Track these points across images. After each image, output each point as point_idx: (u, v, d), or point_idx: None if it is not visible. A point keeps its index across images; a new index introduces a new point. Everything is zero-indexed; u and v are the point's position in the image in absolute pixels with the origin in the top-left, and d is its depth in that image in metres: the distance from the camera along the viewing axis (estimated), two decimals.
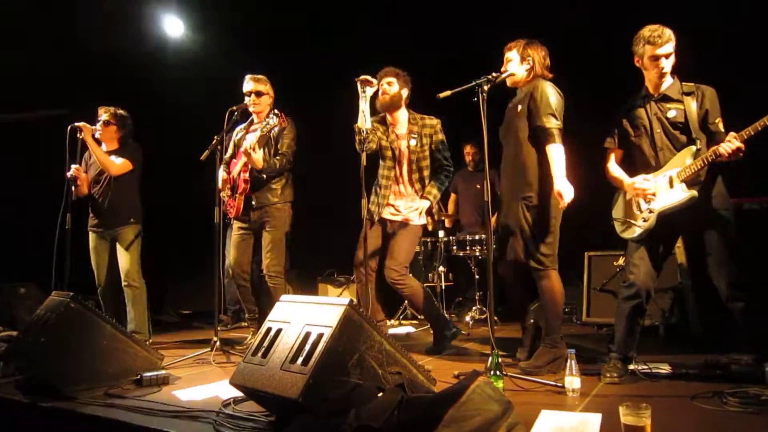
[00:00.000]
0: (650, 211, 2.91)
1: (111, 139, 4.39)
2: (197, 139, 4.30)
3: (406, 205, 3.91)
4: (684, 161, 2.85)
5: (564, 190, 3.02)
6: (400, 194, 3.94)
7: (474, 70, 3.13)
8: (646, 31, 2.87)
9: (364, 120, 3.65)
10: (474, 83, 3.06)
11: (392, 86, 3.85)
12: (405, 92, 3.91)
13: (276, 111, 3.78)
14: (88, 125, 4.19)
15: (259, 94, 4.13)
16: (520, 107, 3.25)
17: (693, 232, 2.88)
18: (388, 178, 3.93)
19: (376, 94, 3.82)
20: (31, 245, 5.11)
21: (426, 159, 3.93)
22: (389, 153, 3.91)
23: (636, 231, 2.97)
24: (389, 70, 3.89)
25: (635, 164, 3.08)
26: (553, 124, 3.10)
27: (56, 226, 4.07)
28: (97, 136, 4.29)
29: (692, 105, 2.88)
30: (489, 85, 3.06)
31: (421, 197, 3.89)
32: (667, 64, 2.88)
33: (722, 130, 2.86)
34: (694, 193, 2.79)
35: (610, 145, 3.18)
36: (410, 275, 3.86)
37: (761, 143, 2.67)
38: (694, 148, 2.84)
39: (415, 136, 3.90)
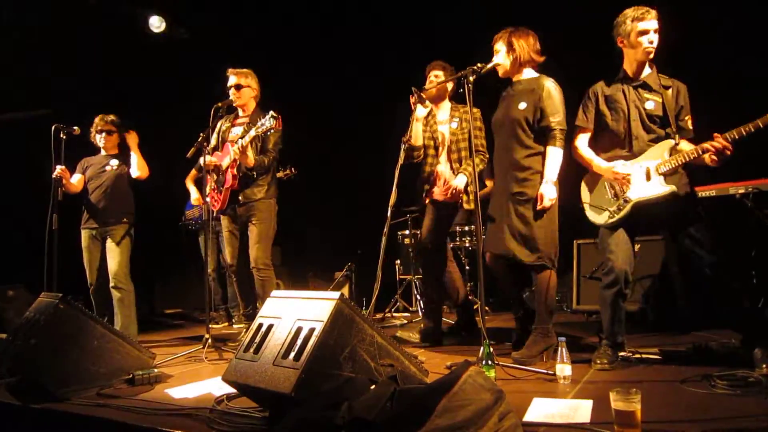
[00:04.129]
0: (626, 201, 2.91)
1: (113, 145, 4.56)
2: (182, 136, 4.28)
3: (448, 181, 3.96)
4: (662, 154, 2.86)
5: (546, 194, 3.09)
6: (442, 174, 3.98)
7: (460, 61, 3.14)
8: (630, 10, 2.90)
9: (417, 138, 3.86)
10: (460, 74, 3.06)
11: (439, 78, 3.97)
12: (450, 85, 4.00)
13: (274, 113, 3.73)
14: (135, 134, 4.47)
15: (238, 87, 4.12)
16: (524, 104, 3.18)
17: (671, 224, 2.91)
18: (431, 165, 4.00)
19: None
20: (20, 247, 5.06)
21: (464, 141, 3.96)
22: (432, 143, 4.00)
23: (610, 218, 2.96)
24: (437, 64, 4.04)
25: (605, 147, 3.07)
26: (559, 127, 3.13)
27: (44, 227, 4.04)
28: (101, 144, 4.52)
29: (671, 99, 2.92)
30: (474, 76, 3.06)
31: (458, 173, 3.91)
32: (655, 40, 2.88)
33: (690, 128, 2.94)
34: (674, 188, 2.81)
35: (582, 124, 3.13)
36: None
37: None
38: (672, 142, 2.87)
39: (456, 120, 4.01)
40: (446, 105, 4.11)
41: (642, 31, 2.87)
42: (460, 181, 3.85)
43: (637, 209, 2.90)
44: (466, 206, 3.94)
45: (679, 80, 3.01)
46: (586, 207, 3.10)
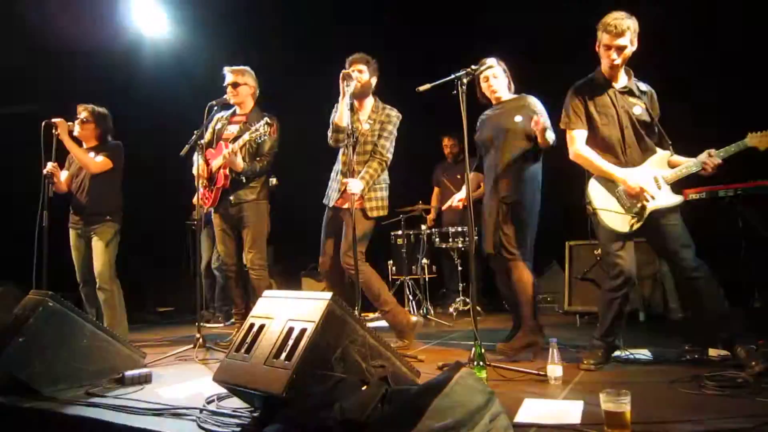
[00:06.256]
0: (643, 208, 2.88)
1: (89, 137, 4.34)
2: (176, 135, 4.26)
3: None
4: (665, 164, 2.93)
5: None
6: (352, 176, 3.75)
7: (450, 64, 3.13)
8: (609, 17, 2.83)
9: (346, 116, 3.63)
10: (453, 76, 3.06)
11: (363, 74, 3.81)
12: (374, 80, 3.90)
13: (268, 119, 3.71)
14: (65, 122, 4.13)
15: (235, 85, 4.08)
16: (520, 117, 3.39)
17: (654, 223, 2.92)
18: (345, 163, 3.81)
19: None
20: (9, 243, 5.02)
21: (371, 144, 3.85)
22: (351, 139, 3.74)
23: (632, 227, 2.92)
24: (360, 58, 3.84)
25: (597, 152, 3.01)
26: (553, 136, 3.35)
27: (34, 224, 4.00)
28: (75, 134, 4.25)
29: (649, 105, 2.97)
30: (468, 78, 3.06)
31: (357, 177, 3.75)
32: (618, 57, 2.86)
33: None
34: (682, 198, 2.90)
35: (577, 126, 3.04)
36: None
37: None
38: (669, 153, 2.94)
39: (371, 121, 3.87)
40: (369, 102, 3.93)
41: (606, 45, 2.86)
42: (353, 183, 3.62)
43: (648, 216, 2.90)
44: (370, 214, 3.80)
45: (647, 84, 3.07)
46: (602, 212, 2.98)
